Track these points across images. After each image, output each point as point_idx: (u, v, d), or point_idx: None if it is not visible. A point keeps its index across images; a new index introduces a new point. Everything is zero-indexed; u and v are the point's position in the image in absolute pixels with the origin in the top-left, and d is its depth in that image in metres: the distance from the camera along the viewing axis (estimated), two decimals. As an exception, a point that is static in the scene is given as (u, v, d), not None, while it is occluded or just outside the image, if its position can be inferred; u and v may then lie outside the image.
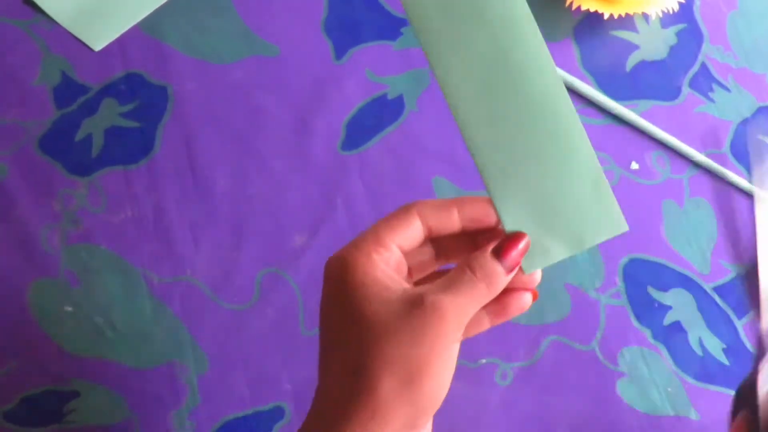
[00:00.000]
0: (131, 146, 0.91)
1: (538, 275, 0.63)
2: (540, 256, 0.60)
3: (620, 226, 0.60)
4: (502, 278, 0.58)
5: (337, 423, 0.55)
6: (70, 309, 0.85)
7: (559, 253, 0.60)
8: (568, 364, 0.87)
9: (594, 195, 0.59)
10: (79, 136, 0.91)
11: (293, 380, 0.84)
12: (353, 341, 0.57)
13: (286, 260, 0.88)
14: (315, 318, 0.85)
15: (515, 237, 0.59)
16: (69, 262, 0.87)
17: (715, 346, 0.88)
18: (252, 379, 0.84)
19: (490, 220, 0.62)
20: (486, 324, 0.64)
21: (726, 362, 0.88)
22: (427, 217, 0.61)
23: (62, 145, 0.91)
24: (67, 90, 0.93)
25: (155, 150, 0.91)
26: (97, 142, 0.91)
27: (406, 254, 0.62)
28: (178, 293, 0.86)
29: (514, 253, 0.58)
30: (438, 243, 0.65)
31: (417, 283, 0.64)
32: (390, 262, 0.59)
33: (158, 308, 0.86)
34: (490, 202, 0.59)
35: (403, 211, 0.61)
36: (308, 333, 0.86)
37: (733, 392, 0.85)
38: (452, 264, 0.64)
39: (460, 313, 0.56)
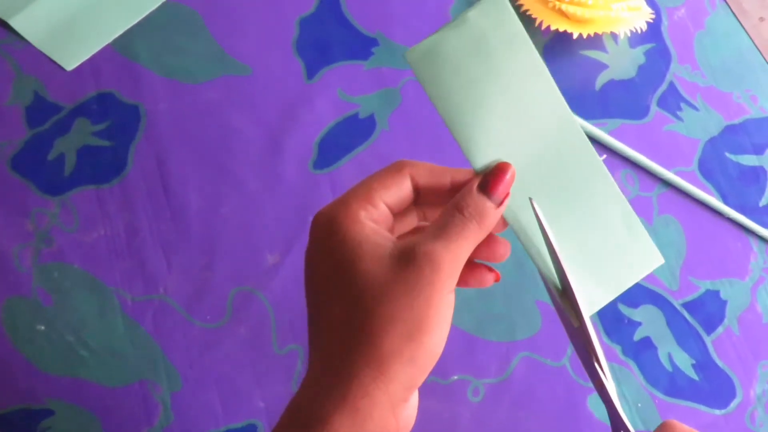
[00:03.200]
0: (104, 165, 0.91)
1: (507, 252, 0.62)
2: (585, 305, 0.59)
3: (656, 258, 0.60)
4: (492, 213, 0.56)
5: (341, 383, 0.54)
6: (42, 328, 0.85)
7: (602, 299, 0.60)
8: (540, 380, 0.87)
9: (628, 233, 0.60)
10: (52, 155, 0.91)
11: (266, 398, 0.84)
12: (348, 300, 0.55)
13: (259, 279, 0.88)
14: (287, 336, 0.86)
15: (500, 168, 0.57)
16: (41, 281, 0.87)
17: (684, 362, 0.89)
18: (225, 397, 0.84)
19: None
20: None
21: (695, 377, 0.88)
22: (417, 177, 0.60)
23: (35, 165, 0.91)
24: (39, 109, 0.93)
25: (127, 169, 0.91)
26: (70, 161, 0.91)
27: (395, 215, 0.60)
28: (150, 312, 0.86)
29: (502, 185, 0.57)
30: (422, 209, 0.64)
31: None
32: (378, 219, 0.58)
33: (131, 327, 0.86)
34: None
35: (395, 168, 0.60)
36: (281, 351, 0.86)
37: (703, 407, 0.86)
38: None
39: (454, 260, 0.54)
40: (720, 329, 0.91)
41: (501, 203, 0.57)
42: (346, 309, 0.55)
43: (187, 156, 0.92)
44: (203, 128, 0.94)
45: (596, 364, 0.59)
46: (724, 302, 0.92)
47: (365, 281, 0.54)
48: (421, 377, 0.55)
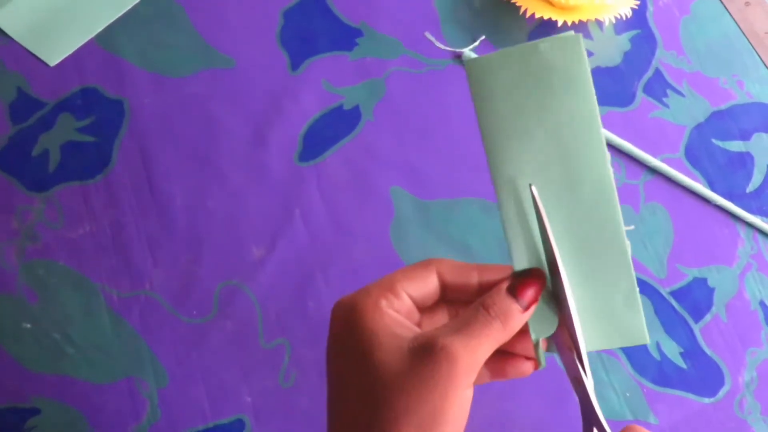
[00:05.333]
0: (88, 161, 0.91)
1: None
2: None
3: (642, 338, 0.60)
4: (518, 316, 0.56)
5: None
6: (28, 325, 0.85)
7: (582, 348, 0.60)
8: (527, 370, 0.87)
9: (625, 305, 0.60)
10: (36, 151, 0.91)
11: (253, 393, 0.84)
12: (365, 391, 0.55)
13: (245, 273, 0.88)
14: (274, 330, 0.86)
15: (532, 274, 0.58)
16: (27, 279, 0.87)
17: (672, 351, 0.89)
18: (212, 393, 0.84)
19: None
20: (486, 378, 0.64)
21: (684, 366, 0.88)
22: (444, 274, 0.60)
23: (19, 161, 0.91)
24: (23, 105, 0.93)
25: (112, 165, 0.91)
26: (54, 157, 0.91)
27: (421, 310, 0.61)
28: (137, 308, 0.86)
29: (531, 290, 0.57)
30: (454, 307, 0.64)
31: None
32: (401, 309, 0.58)
33: (117, 323, 0.86)
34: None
35: (422, 264, 0.60)
36: (268, 345, 0.86)
37: (692, 396, 0.86)
38: None
39: (473, 357, 0.54)
40: (708, 317, 0.90)
41: (527, 308, 0.57)
42: (362, 398, 0.55)
43: (171, 150, 0.92)
44: (188, 122, 0.93)
45: (577, 360, 0.59)
46: (712, 289, 0.91)
47: (381, 371, 0.54)
48: None
